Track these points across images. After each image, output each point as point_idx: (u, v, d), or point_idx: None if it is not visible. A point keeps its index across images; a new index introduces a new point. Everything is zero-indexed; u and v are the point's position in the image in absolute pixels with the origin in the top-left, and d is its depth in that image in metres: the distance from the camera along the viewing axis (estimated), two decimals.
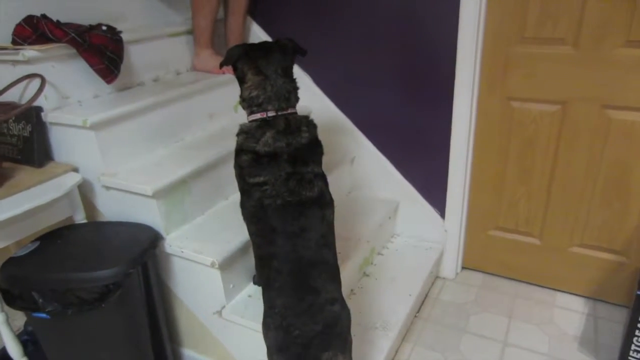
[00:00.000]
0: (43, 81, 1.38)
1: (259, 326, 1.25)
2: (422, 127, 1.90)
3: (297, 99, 1.29)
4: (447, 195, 1.95)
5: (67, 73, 1.52)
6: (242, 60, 1.25)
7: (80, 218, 1.51)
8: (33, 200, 1.29)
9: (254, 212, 1.21)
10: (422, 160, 1.96)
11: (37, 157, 1.46)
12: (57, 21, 1.55)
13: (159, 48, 1.84)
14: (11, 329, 1.35)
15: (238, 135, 1.26)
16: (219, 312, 1.46)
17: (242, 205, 1.26)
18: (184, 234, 1.49)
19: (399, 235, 2.13)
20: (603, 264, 1.80)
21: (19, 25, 1.49)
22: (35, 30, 1.48)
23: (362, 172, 2.12)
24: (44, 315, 1.22)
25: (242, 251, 1.46)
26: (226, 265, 1.41)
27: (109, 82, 1.57)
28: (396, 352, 1.66)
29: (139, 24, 1.94)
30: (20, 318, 1.64)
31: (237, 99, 1.31)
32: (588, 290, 1.87)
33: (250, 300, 1.48)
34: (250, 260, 1.43)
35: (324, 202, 1.24)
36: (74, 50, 1.48)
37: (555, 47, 1.60)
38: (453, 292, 1.97)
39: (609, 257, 1.79)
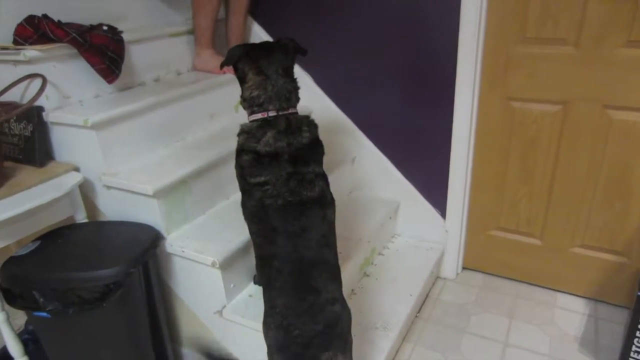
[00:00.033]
0: (44, 81, 1.38)
1: (259, 326, 1.25)
2: (423, 127, 1.90)
3: (297, 99, 1.29)
4: (447, 196, 1.95)
5: (68, 73, 1.52)
6: (243, 60, 1.25)
7: (81, 217, 1.51)
8: (34, 200, 1.29)
9: (255, 212, 1.21)
10: (423, 160, 1.96)
11: (38, 157, 1.46)
12: (59, 21, 1.55)
13: (160, 48, 1.84)
14: (12, 328, 1.35)
15: (239, 135, 1.26)
16: (220, 312, 1.46)
17: (243, 205, 1.26)
18: (184, 234, 1.50)
19: (399, 235, 2.13)
20: (604, 264, 1.80)
21: (20, 25, 1.49)
22: (36, 30, 1.48)
23: (363, 172, 2.12)
24: (44, 314, 1.22)
25: (242, 251, 1.47)
26: (227, 264, 1.41)
27: (110, 82, 1.57)
28: (397, 352, 1.66)
29: (139, 23, 1.94)
30: (21, 317, 1.64)
31: (238, 99, 1.31)
32: (589, 291, 1.87)
33: (250, 300, 1.48)
34: (251, 260, 1.43)
35: (325, 202, 1.24)
36: (75, 50, 1.49)
37: (557, 47, 1.60)
38: (454, 293, 1.97)
39: (610, 258, 1.79)
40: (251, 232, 1.27)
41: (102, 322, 1.31)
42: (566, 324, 1.76)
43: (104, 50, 1.53)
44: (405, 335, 1.73)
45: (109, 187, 1.49)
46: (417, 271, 1.88)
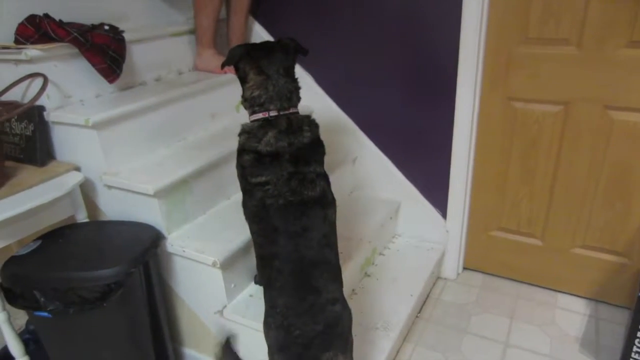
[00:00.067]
0: (45, 80, 1.38)
1: (260, 326, 1.25)
2: (424, 127, 1.89)
3: (298, 99, 1.29)
4: (448, 196, 1.95)
5: (70, 72, 1.52)
6: (244, 60, 1.25)
7: (82, 217, 1.51)
8: (35, 199, 1.29)
9: (256, 211, 1.21)
10: (423, 161, 1.96)
11: (40, 156, 1.46)
12: (60, 21, 1.55)
13: (161, 48, 1.84)
14: (13, 327, 1.35)
15: (240, 135, 1.26)
16: (221, 312, 1.46)
17: (244, 204, 1.26)
18: (185, 234, 1.50)
19: (400, 236, 2.13)
20: (605, 265, 1.80)
21: (21, 25, 1.49)
22: (37, 30, 1.48)
23: (363, 172, 2.12)
24: (45, 314, 1.22)
25: (243, 251, 1.47)
26: (227, 264, 1.41)
27: (111, 81, 1.57)
28: (397, 352, 1.66)
29: (141, 23, 1.94)
30: (21, 317, 1.64)
31: (239, 98, 1.31)
32: (590, 291, 1.87)
33: (251, 299, 1.48)
34: (252, 260, 1.43)
35: (326, 201, 1.24)
36: (76, 50, 1.49)
37: (559, 47, 1.60)
38: (454, 293, 1.96)
39: (611, 259, 1.79)
40: (252, 232, 1.27)
41: (102, 321, 1.31)
42: (567, 324, 1.76)
43: (105, 50, 1.53)
44: (405, 336, 1.73)
45: (109, 187, 1.49)
46: (417, 271, 1.88)
